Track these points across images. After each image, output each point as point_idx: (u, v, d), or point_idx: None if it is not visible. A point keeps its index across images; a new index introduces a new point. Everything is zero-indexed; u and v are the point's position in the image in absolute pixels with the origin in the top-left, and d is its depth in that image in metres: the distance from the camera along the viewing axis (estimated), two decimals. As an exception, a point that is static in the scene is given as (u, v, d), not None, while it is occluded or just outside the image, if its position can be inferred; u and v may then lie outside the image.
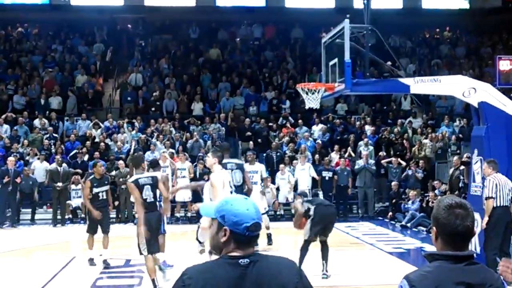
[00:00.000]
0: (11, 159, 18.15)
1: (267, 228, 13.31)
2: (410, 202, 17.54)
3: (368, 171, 19.43)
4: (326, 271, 10.11)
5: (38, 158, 19.34)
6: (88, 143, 20.68)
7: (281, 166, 19.05)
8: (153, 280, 9.12)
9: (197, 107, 23.96)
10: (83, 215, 18.40)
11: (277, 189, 18.57)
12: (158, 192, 9.50)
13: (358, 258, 12.49)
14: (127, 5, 27.26)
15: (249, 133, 22.06)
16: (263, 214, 12.51)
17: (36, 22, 28.73)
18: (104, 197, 11.62)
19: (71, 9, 27.34)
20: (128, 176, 13.04)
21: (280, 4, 27.55)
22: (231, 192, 9.10)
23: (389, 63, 13.67)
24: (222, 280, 2.76)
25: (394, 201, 18.69)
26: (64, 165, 18.82)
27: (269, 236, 13.47)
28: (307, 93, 12.62)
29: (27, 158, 19.64)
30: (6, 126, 21.63)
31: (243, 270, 2.77)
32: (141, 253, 9.19)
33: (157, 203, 9.50)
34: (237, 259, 2.79)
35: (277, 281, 2.79)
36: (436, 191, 17.05)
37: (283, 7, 27.64)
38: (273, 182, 19.11)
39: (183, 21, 29.28)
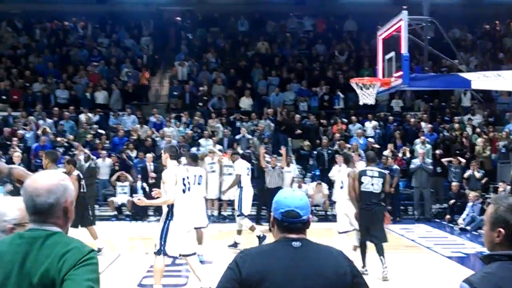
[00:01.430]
0: (16, 155, 18.18)
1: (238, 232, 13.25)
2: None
3: (424, 171, 19.13)
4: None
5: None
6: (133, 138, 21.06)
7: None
8: None
9: (246, 102, 24.07)
10: (128, 212, 18.78)
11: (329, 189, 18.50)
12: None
13: (414, 262, 12.35)
14: (174, -3, 27.60)
15: (299, 130, 22.03)
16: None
17: (82, 15, 29.24)
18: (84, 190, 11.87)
19: (117, 1, 27.74)
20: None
21: (333, -5, 27.44)
22: (184, 191, 9.07)
23: (456, 61, 13.46)
24: (277, 260, 3.12)
25: (452, 202, 18.38)
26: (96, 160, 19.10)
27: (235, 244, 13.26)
28: (361, 88, 12.54)
29: (74, 152, 20.08)
30: (47, 120, 22.18)
31: (296, 252, 3.14)
32: None
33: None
34: (290, 241, 3.17)
35: (328, 264, 3.14)
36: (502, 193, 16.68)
37: (336, -2, 27.53)
38: (323, 180, 19.11)
39: (231, 13, 29.39)
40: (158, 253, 8.96)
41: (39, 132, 20.91)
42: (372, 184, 10.39)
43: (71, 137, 21.32)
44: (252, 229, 13.20)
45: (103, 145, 20.57)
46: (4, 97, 23.92)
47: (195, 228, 12.53)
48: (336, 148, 20.30)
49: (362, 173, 10.61)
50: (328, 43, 28.25)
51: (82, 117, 22.44)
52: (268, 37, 28.48)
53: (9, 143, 20.13)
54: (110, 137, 21.66)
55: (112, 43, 27.99)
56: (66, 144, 20.59)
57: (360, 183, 10.45)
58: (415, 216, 19.45)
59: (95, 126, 22.07)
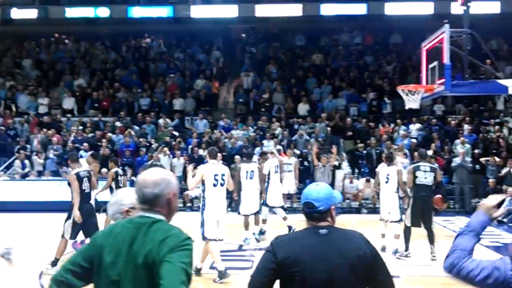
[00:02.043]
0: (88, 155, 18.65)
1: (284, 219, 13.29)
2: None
3: (464, 168, 18.66)
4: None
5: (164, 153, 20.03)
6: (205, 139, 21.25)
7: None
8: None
9: (303, 108, 24.00)
10: (199, 204, 18.91)
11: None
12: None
13: (456, 250, 12.04)
14: (240, 16, 27.62)
15: (350, 132, 21.82)
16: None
17: (161, 33, 29.72)
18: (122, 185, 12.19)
19: (192, 21, 28.00)
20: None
21: (380, 12, 26.91)
22: (214, 185, 9.43)
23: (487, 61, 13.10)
24: (306, 245, 3.22)
25: (490, 197, 17.84)
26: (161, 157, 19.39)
27: (289, 227, 13.02)
28: (407, 94, 12.35)
29: (155, 153, 20.39)
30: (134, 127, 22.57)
31: (323, 238, 3.24)
32: (63, 236, 9.74)
33: (90, 195, 10.04)
34: (317, 229, 3.28)
35: (350, 247, 3.22)
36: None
37: (383, 14, 26.99)
38: (372, 177, 18.79)
39: (289, 30, 29.36)
40: (203, 239, 9.34)
41: (125, 134, 21.40)
42: (425, 178, 10.67)
43: (152, 139, 21.74)
44: (258, 221, 13.39)
45: (179, 145, 20.87)
46: (96, 105, 24.56)
47: (252, 214, 12.96)
48: (383, 148, 19.99)
49: (416, 168, 10.84)
50: (376, 54, 27.88)
51: (161, 121, 22.82)
52: (322, 50, 28.31)
53: (99, 144, 20.70)
54: (185, 139, 21.94)
55: (186, 58, 28.38)
56: (147, 145, 21.01)
57: (415, 177, 10.69)
58: (455, 209, 18.94)
59: (172, 129, 22.41)
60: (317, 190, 3.37)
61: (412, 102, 12.27)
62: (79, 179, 9.85)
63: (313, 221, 3.33)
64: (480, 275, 2.87)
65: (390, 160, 11.62)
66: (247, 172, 12.83)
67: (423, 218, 10.68)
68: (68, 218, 9.79)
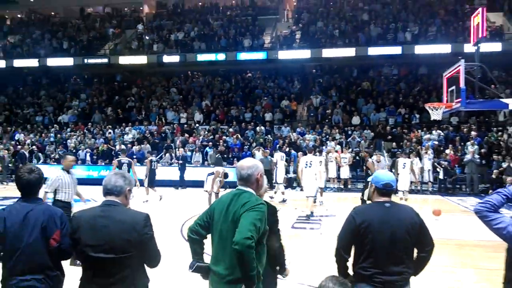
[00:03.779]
0: (180, 150, 19.34)
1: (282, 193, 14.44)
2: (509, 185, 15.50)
3: (473, 162, 17.59)
4: None
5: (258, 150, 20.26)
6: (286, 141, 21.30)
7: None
8: None
9: (355, 120, 23.52)
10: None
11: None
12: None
13: (467, 221, 11.41)
14: (312, 57, 27.30)
15: (389, 137, 21.15)
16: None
17: (258, 70, 30.05)
18: (154, 167, 12.01)
19: (279, 61, 28.05)
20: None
21: (411, 52, 25.72)
22: (305, 167, 11.29)
23: (492, 85, 12.25)
24: (376, 214, 3.17)
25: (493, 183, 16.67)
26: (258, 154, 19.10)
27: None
28: (432, 110, 11.83)
29: (253, 151, 20.66)
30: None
31: (387, 209, 3.18)
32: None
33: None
34: (383, 203, 3.21)
35: (406, 216, 3.17)
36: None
37: (413, 53, 25.79)
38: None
39: (346, 65, 28.79)
40: (307, 196, 11.53)
41: (234, 137, 21.86)
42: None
43: (251, 140, 22.04)
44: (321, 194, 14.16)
45: (269, 145, 21.01)
46: (217, 118, 25.26)
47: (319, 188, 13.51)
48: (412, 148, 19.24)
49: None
50: (408, 82, 26.76)
51: (258, 128, 23.09)
52: (370, 79, 27.53)
53: (218, 143, 21.26)
54: (273, 141, 22.07)
55: (275, 86, 28.50)
56: (248, 144, 21.30)
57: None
58: (467, 192, 17.86)
59: (267, 136, 22.59)
60: (391, 175, 3.34)
61: (435, 115, 11.75)
62: (120, 164, 10.80)
63: (385, 196, 3.25)
64: (497, 225, 2.88)
65: (405, 154, 13.24)
66: (306, 162, 12.66)
67: None
68: None
